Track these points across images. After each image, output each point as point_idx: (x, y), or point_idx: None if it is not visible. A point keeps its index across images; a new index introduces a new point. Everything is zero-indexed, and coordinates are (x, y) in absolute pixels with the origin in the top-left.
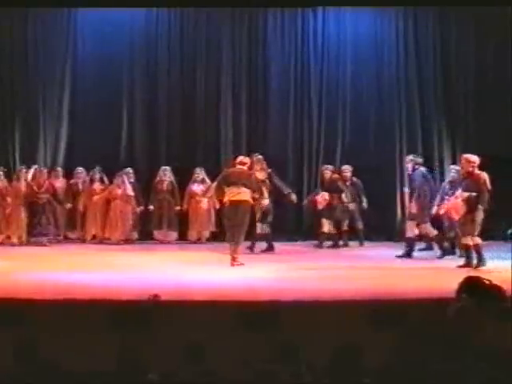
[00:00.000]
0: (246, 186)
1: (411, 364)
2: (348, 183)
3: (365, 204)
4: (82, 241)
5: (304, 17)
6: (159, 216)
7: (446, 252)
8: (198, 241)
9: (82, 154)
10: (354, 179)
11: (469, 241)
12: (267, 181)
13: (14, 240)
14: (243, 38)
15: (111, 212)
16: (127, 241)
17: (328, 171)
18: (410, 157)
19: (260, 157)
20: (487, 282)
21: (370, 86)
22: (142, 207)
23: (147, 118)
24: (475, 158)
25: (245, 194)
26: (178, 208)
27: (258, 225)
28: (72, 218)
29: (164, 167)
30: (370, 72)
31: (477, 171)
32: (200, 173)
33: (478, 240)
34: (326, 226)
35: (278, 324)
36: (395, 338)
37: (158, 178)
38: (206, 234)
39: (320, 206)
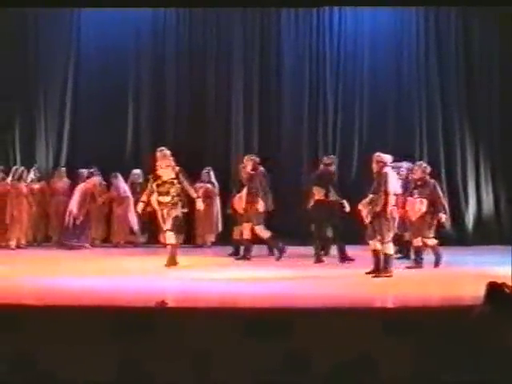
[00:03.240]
0: (322, 186)
1: (428, 373)
2: None
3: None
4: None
5: (319, 14)
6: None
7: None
8: (204, 244)
9: (85, 153)
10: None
11: (372, 246)
12: (175, 181)
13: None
14: (255, 36)
15: (112, 215)
16: (133, 244)
17: (249, 162)
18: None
19: (166, 152)
20: (508, 289)
21: (389, 85)
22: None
23: (154, 117)
24: (384, 158)
25: (321, 194)
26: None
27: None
28: None
29: None
30: (389, 71)
31: (384, 171)
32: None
33: (378, 246)
34: (247, 231)
35: (288, 332)
36: (411, 347)
37: None
38: (211, 237)
39: (240, 210)
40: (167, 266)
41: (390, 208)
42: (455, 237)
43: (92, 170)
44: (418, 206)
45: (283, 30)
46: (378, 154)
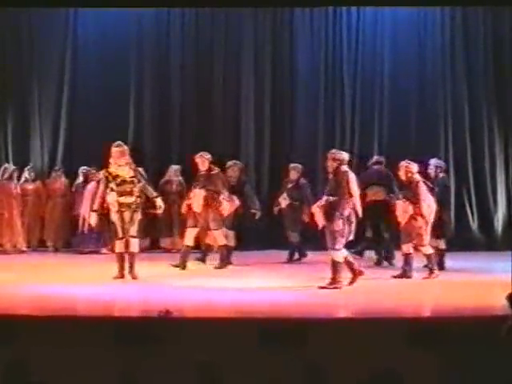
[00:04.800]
0: (381, 186)
1: None
2: (290, 185)
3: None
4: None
5: (336, 11)
6: (167, 221)
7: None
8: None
9: (82, 152)
10: (302, 181)
11: (331, 255)
12: (135, 180)
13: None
14: (266, 33)
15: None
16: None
17: (204, 160)
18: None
19: (125, 148)
20: None
21: (411, 84)
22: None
23: (157, 116)
24: (341, 155)
25: (379, 194)
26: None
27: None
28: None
29: (174, 166)
30: (411, 69)
31: (343, 169)
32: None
33: (338, 256)
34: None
35: (302, 343)
36: (435, 360)
37: (166, 178)
38: None
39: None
40: (132, 277)
41: (356, 211)
42: (483, 241)
43: (91, 170)
44: (404, 209)
45: (296, 28)
46: (333, 151)
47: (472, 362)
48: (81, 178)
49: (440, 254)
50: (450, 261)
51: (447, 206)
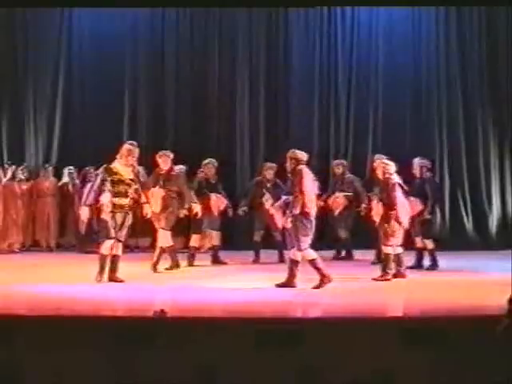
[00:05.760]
0: None
1: None
2: (269, 185)
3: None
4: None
5: (330, 11)
6: None
7: None
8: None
9: (77, 152)
10: (278, 181)
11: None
12: (132, 183)
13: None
14: (260, 33)
15: None
16: (129, 248)
17: (166, 159)
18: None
19: (135, 148)
20: None
21: (406, 85)
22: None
23: (152, 116)
24: (298, 155)
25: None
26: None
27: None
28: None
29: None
30: (406, 70)
31: (298, 168)
32: None
33: (296, 256)
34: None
35: (297, 343)
36: (430, 359)
37: None
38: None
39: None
40: (110, 279)
41: (307, 210)
42: (478, 241)
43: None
44: (376, 209)
45: (291, 28)
46: (292, 150)
47: (467, 361)
48: (66, 179)
49: (431, 254)
50: (444, 260)
51: (437, 205)
